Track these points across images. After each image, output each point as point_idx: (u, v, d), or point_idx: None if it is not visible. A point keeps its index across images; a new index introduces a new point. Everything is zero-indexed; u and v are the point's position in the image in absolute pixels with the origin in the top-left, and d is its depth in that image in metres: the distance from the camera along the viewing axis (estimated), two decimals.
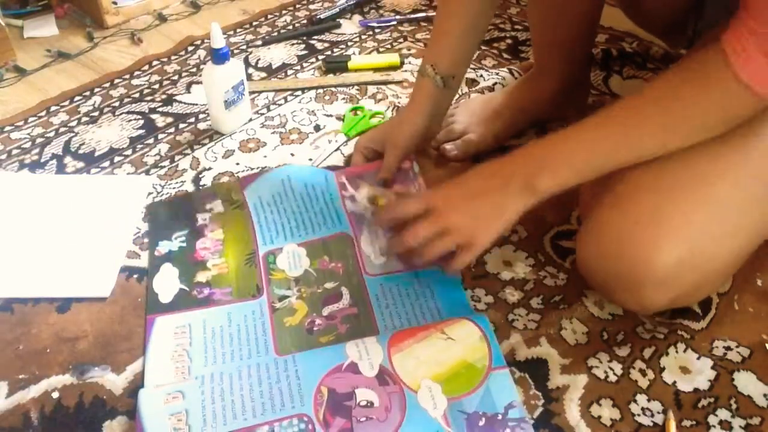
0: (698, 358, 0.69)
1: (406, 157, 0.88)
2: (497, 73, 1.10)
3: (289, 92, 1.09)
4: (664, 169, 0.63)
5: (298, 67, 1.15)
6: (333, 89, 1.09)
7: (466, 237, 0.68)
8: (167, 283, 0.76)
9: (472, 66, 1.14)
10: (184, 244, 0.80)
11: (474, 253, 0.69)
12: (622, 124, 0.63)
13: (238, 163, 0.94)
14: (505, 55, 1.18)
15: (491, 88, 1.06)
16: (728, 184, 0.62)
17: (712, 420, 0.63)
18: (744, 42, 0.54)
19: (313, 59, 1.18)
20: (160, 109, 1.05)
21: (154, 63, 1.17)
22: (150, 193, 0.89)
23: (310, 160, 0.94)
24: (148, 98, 1.08)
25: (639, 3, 0.88)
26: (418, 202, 0.72)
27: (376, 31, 1.26)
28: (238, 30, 1.27)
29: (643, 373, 0.67)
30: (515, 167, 0.68)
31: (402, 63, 1.14)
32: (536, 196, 0.66)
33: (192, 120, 1.03)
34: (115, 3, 1.27)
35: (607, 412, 0.64)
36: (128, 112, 1.05)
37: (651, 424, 0.63)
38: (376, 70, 1.13)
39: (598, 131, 0.64)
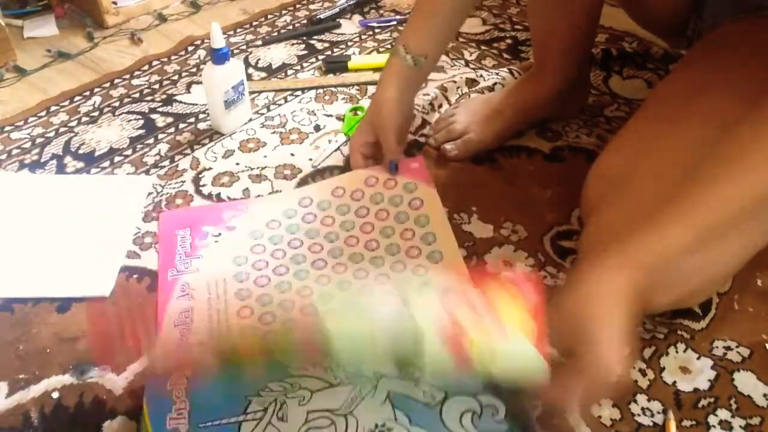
0: (698, 358, 0.69)
1: (401, 132, 0.88)
2: (497, 73, 1.10)
3: (289, 92, 1.09)
4: (669, 171, 0.63)
5: (298, 67, 1.15)
6: (333, 89, 1.09)
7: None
8: None
9: (471, 66, 1.14)
10: None
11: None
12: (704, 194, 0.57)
13: (238, 163, 0.94)
14: (505, 55, 1.18)
15: (491, 88, 1.06)
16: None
17: (712, 420, 0.63)
18: None
19: (313, 59, 1.18)
20: (160, 109, 1.05)
21: (154, 63, 1.17)
22: (150, 193, 0.89)
23: (310, 159, 0.94)
24: (148, 98, 1.08)
25: (640, 2, 0.88)
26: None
27: (376, 31, 1.26)
28: (238, 30, 1.27)
29: (643, 373, 0.67)
30: (630, 291, 0.55)
31: None
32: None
33: (192, 120, 1.03)
34: (115, 3, 1.27)
35: (607, 412, 0.64)
36: (128, 112, 1.05)
37: (651, 424, 0.63)
38: (376, 70, 1.13)
39: (688, 215, 0.57)
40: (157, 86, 1.11)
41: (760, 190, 0.56)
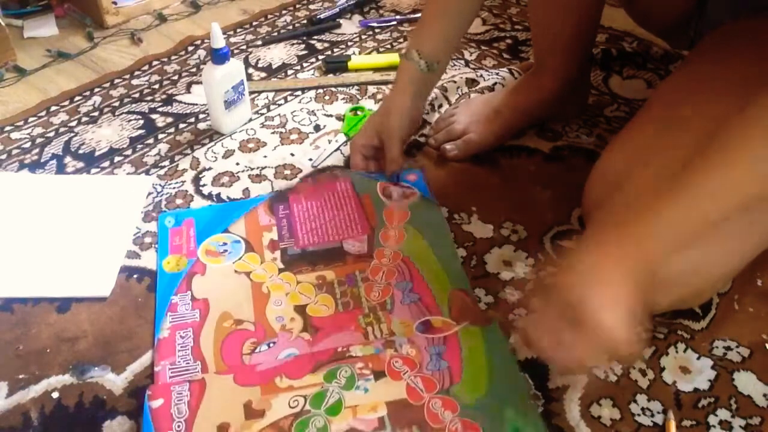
0: (698, 358, 0.69)
1: (405, 142, 0.89)
2: (497, 73, 1.10)
3: (289, 92, 1.09)
4: (670, 171, 0.63)
5: (298, 67, 1.15)
6: (333, 89, 1.09)
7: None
8: None
9: (471, 66, 1.14)
10: None
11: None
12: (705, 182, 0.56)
13: (238, 163, 0.94)
14: (505, 55, 1.18)
15: (491, 88, 1.06)
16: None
17: (712, 420, 0.63)
18: None
19: (313, 59, 1.18)
20: (160, 109, 1.05)
21: (154, 63, 1.17)
22: (150, 193, 0.89)
23: (310, 159, 0.94)
24: (148, 98, 1.08)
25: (641, 3, 0.88)
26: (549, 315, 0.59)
27: (376, 31, 1.26)
28: (238, 30, 1.27)
29: (643, 373, 0.67)
30: (629, 259, 0.56)
31: None
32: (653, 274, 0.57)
33: (192, 120, 1.03)
34: (115, 3, 1.27)
35: (607, 412, 0.64)
36: (128, 112, 1.05)
37: (651, 424, 0.63)
38: (376, 70, 1.13)
39: (681, 197, 0.56)
40: (157, 86, 1.11)
41: (748, 189, 0.56)
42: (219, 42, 0.92)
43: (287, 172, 0.92)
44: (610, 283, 0.55)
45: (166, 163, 0.94)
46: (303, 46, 1.22)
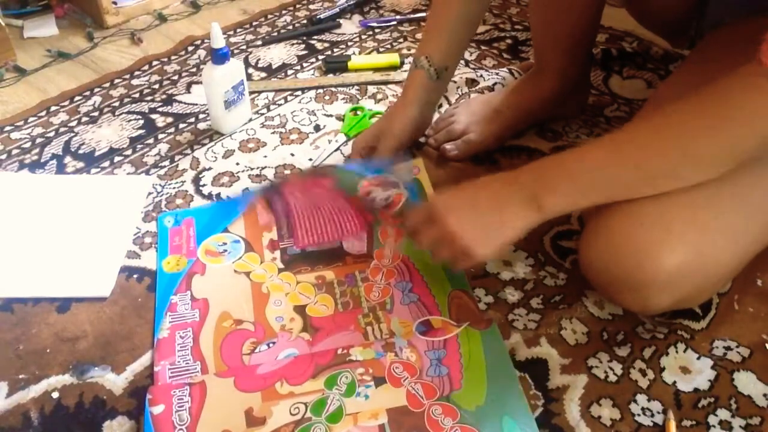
0: (698, 358, 0.69)
1: (401, 147, 0.89)
2: (497, 73, 1.10)
3: (289, 92, 1.09)
4: None
5: (298, 67, 1.15)
6: (333, 89, 1.09)
7: (462, 247, 0.66)
8: None
9: (471, 66, 1.14)
10: None
11: (470, 264, 0.68)
12: (642, 146, 0.60)
13: (238, 163, 0.94)
14: (505, 55, 1.18)
15: (491, 88, 1.06)
16: (733, 187, 0.62)
17: (712, 420, 0.63)
18: None
19: (313, 59, 1.18)
20: (160, 109, 1.05)
21: (154, 63, 1.17)
22: (150, 193, 0.89)
23: (310, 159, 0.94)
24: (148, 98, 1.08)
25: (643, 2, 0.88)
26: (422, 210, 0.71)
27: (376, 31, 1.26)
28: (238, 30, 1.27)
29: (643, 373, 0.67)
30: (523, 182, 0.65)
31: (402, 63, 1.14)
32: (541, 214, 0.64)
33: (192, 120, 1.03)
34: (115, 3, 1.27)
35: (607, 412, 0.64)
36: (128, 112, 1.05)
37: (651, 424, 0.63)
38: (376, 70, 1.13)
39: (616, 153, 0.61)
40: (157, 86, 1.11)
41: (653, 180, 0.61)
42: (219, 42, 0.92)
43: (287, 172, 0.92)
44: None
45: (166, 163, 0.94)
46: (303, 46, 1.22)
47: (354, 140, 0.92)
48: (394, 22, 1.28)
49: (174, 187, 0.90)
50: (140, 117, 1.04)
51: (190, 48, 1.21)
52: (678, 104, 0.59)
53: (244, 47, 1.21)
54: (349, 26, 1.28)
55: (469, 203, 0.67)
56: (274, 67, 1.16)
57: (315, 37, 1.24)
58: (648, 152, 0.60)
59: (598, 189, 0.62)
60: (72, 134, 1.00)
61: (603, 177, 0.62)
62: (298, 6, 1.35)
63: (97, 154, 0.96)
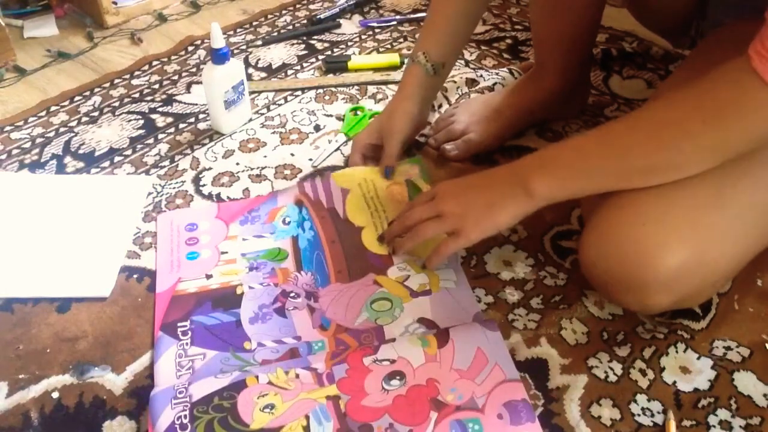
0: (698, 358, 0.69)
1: (406, 145, 0.89)
2: (497, 73, 1.10)
3: (289, 92, 1.09)
4: None
5: (298, 67, 1.15)
6: (333, 89, 1.09)
7: (455, 225, 0.70)
8: None
9: (471, 66, 1.14)
10: None
11: (460, 244, 0.71)
12: (620, 134, 0.62)
13: (238, 163, 0.94)
14: (505, 55, 1.18)
15: (491, 88, 1.06)
16: (734, 188, 0.62)
17: (712, 420, 0.63)
18: None
19: (313, 59, 1.18)
20: (160, 109, 1.05)
21: (154, 63, 1.17)
22: (150, 193, 0.89)
23: (310, 159, 0.94)
24: (148, 98, 1.08)
25: (644, 2, 0.88)
26: (430, 191, 0.75)
27: (376, 31, 1.26)
28: (238, 30, 1.27)
29: (643, 373, 0.67)
30: (518, 169, 0.68)
31: (402, 63, 1.14)
32: (534, 201, 0.66)
33: (192, 120, 1.03)
34: (115, 3, 1.27)
35: (607, 412, 0.64)
36: (128, 112, 1.05)
37: (651, 424, 0.63)
38: (376, 70, 1.13)
39: (605, 143, 0.63)
40: (157, 86, 1.11)
41: (645, 172, 0.62)
42: (219, 42, 0.92)
43: (287, 172, 0.92)
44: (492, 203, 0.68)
45: (166, 163, 0.94)
46: (303, 46, 1.22)
47: (354, 139, 0.92)
48: (394, 22, 1.28)
49: (174, 187, 0.90)
50: (140, 117, 1.04)
51: (190, 48, 1.21)
52: (669, 98, 0.61)
53: (244, 47, 1.21)
54: (349, 26, 1.28)
55: (466, 185, 0.72)
56: (274, 67, 1.16)
57: (315, 37, 1.24)
58: (636, 144, 0.61)
59: (587, 176, 0.64)
60: (72, 134, 1.00)
61: (591, 164, 0.64)
62: (298, 6, 1.35)
63: (97, 154, 0.96)
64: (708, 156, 0.59)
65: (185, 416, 0.60)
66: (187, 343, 0.69)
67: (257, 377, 0.64)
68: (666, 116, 0.60)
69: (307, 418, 0.61)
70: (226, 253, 0.79)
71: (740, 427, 0.63)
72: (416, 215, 0.73)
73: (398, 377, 0.64)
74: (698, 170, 0.59)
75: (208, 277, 0.77)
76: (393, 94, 1.05)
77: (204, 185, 0.90)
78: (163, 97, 1.08)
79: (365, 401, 0.62)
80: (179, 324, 0.71)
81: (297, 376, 0.64)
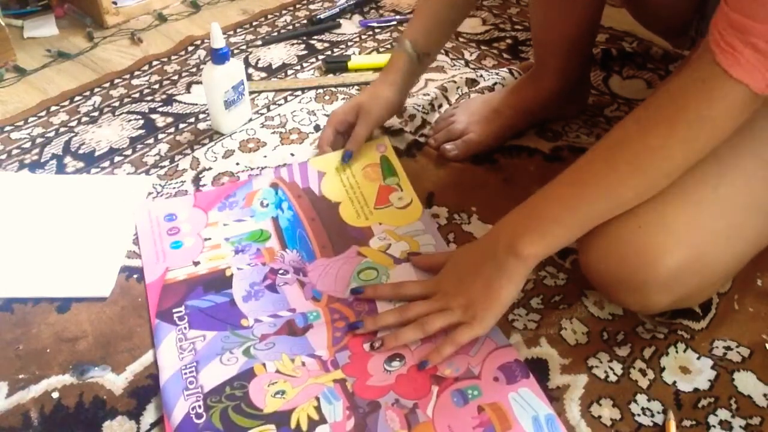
0: (698, 358, 0.69)
1: (376, 126, 0.92)
2: (497, 73, 1.10)
3: (289, 92, 1.09)
4: None
5: (298, 67, 1.15)
6: (333, 89, 1.09)
7: (464, 317, 0.66)
8: None
9: (471, 66, 1.14)
10: None
11: (475, 333, 0.66)
12: (597, 173, 0.61)
13: (238, 163, 0.94)
14: (505, 55, 1.18)
15: (491, 88, 1.06)
16: (732, 187, 0.62)
17: (712, 420, 0.63)
18: (728, 38, 0.53)
19: (313, 59, 1.18)
20: (160, 109, 1.05)
21: (154, 63, 1.17)
22: (150, 193, 0.89)
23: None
24: (148, 98, 1.08)
25: (643, 3, 0.88)
26: (420, 287, 0.71)
27: (376, 31, 1.26)
28: (238, 30, 1.27)
29: (643, 373, 0.67)
30: (498, 238, 0.65)
31: None
32: (528, 263, 0.63)
33: (192, 120, 1.03)
34: (115, 3, 1.27)
35: (607, 412, 0.64)
36: (128, 112, 1.05)
37: (651, 424, 0.63)
38: (376, 70, 1.13)
39: (587, 184, 0.62)
40: (157, 86, 1.11)
41: (618, 200, 0.61)
42: (219, 42, 0.92)
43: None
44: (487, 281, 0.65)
45: (166, 163, 0.94)
46: (303, 46, 1.22)
47: (333, 111, 0.92)
48: (394, 22, 1.28)
49: (174, 187, 0.90)
50: (140, 117, 1.04)
51: (190, 48, 1.21)
52: (641, 120, 0.60)
53: (244, 47, 1.21)
54: (349, 26, 1.28)
55: (462, 275, 0.68)
56: (274, 67, 1.16)
57: (315, 37, 1.24)
58: (618, 182, 0.60)
59: (578, 224, 0.63)
60: (72, 134, 1.00)
61: (581, 213, 0.62)
62: (298, 6, 1.35)
63: (97, 154, 0.96)
64: (693, 161, 0.59)
65: (199, 406, 0.63)
66: (185, 327, 0.70)
67: (264, 365, 0.66)
68: (644, 143, 0.59)
69: (318, 399, 0.64)
70: (210, 239, 0.81)
71: (740, 427, 0.63)
72: (419, 309, 0.68)
73: (398, 359, 0.67)
74: (686, 171, 0.60)
75: (196, 263, 0.78)
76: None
77: (204, 185, 0.90)
78: (163, 97, 1.08)
79: (370, 381, 0.65)
80: (174, 310, 0.72)
81: (303, 363, 0.67)
